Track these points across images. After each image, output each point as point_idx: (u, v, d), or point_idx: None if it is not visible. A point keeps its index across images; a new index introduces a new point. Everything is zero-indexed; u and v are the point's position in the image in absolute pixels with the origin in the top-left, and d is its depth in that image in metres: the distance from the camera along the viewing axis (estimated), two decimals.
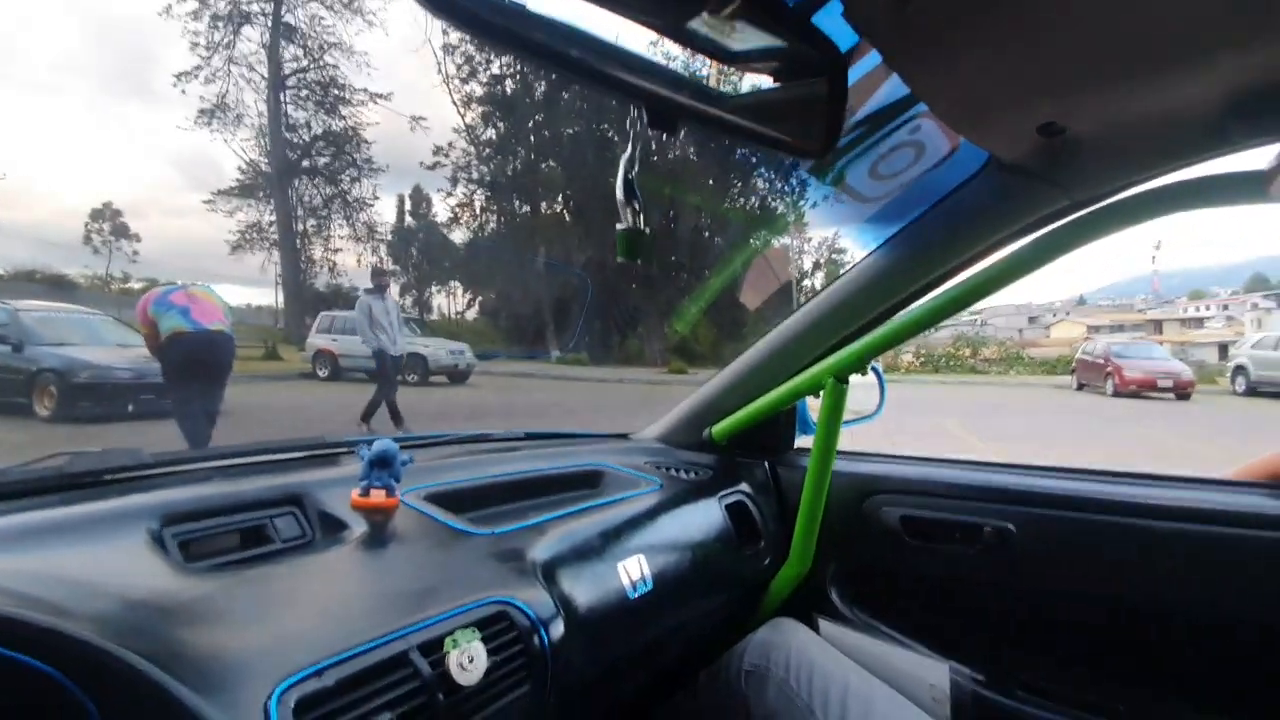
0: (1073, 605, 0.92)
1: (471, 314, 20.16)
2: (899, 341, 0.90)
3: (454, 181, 18.41)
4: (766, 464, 1.22)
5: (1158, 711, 0.86)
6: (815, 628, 1.06)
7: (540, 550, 0.75)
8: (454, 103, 18.03)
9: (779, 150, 0.46)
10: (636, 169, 0.45)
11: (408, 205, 20.18)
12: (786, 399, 1.05)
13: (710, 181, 16.90)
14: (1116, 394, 12.67)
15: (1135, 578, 0.87)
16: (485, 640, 0.59)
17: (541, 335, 17.52)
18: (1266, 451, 0.90)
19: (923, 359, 21.11)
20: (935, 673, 0.96)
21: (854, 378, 1.04)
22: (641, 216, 0.47)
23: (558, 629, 0.66)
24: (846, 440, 1.11)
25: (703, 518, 1.02)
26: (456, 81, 17.72)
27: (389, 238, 19.88)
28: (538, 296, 17.66)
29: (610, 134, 16.73)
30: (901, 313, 0.91)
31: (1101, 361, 13.62)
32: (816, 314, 1.03)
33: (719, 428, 1.18)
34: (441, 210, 19.51)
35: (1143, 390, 12.31)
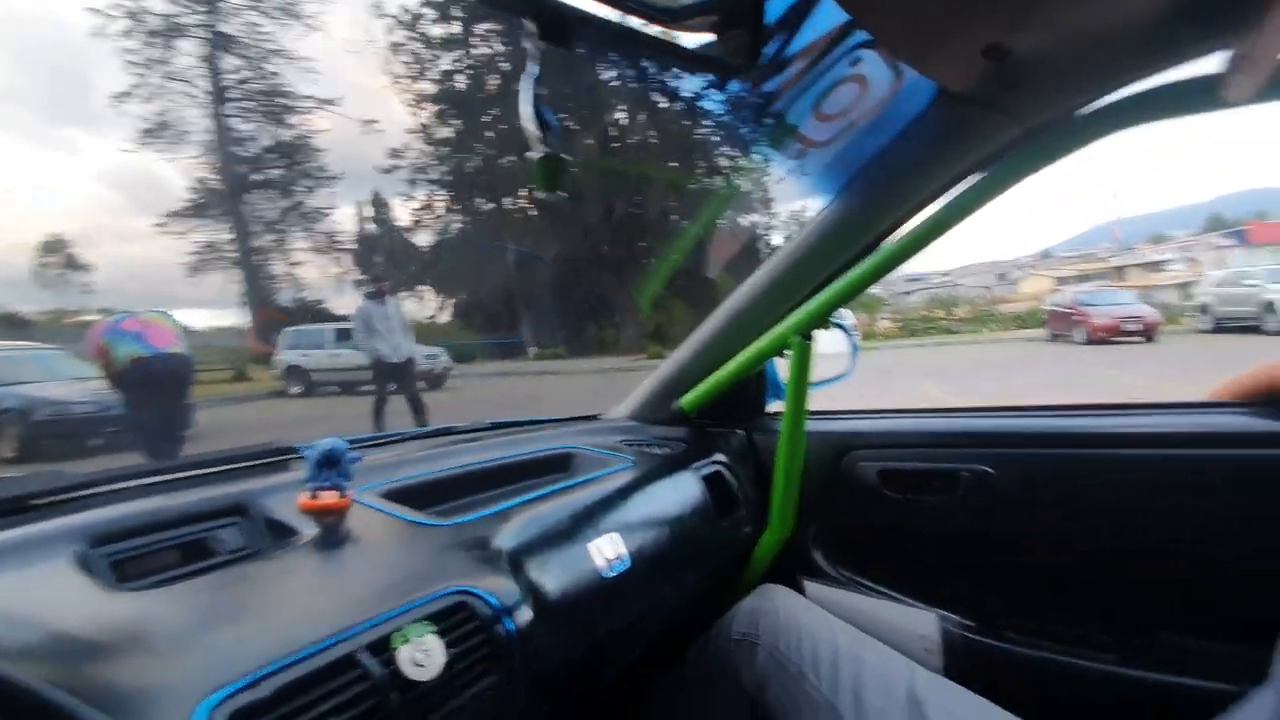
0: (1055, 541, 0.91)
1: (445, 316, 19.92)
2: (862, 289, 0.87)
3: (413, 184, 18.11)
4: (741, 431, 1.20)
5: (1144, 641, 0.85)
6: (802, 591, 1.04)
7: (505, 537, 0.72)
8: (404, 104, 17.67)
9: (696, 67, 0.43)
10: (542, 90, 0.41)
11: (368, 212, 19.83)
12: (753, 362, 1.03)
13: (675, 164, 16.80)
14: (1089, 341, 12.97)
15: (1114, 508, 0.86)
16: (443, 633, 0.55)
17: (516, 332, 17.37)
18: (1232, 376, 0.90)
19: (900, 324, 21.43)
20: (925, 623, 0.95)
21: (828, 341, 1.02)
22: (557, 141, 0.43)
23: (525, 615, 0.63)
24: (822, 402, 1.09)
25: (678, 491, 1.00)
26: (406, 80, 17.36)
27: (352, 246, 19.51)
28: (509, 293, 17.48)
29: (568, 122, 16.54)
30: (863, 261, 0.88)
31: (1070, 311, 13.94)
32: (777, 273, 1.00)
33: (688, 399, 1.15)
34: (404, 214, 19.22)
35: (1112, 336, 12.64)
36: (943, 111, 0.76)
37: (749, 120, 0.77)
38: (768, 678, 0.85)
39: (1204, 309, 13.84)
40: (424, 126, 17.69)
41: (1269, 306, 11.75)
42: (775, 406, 1.25)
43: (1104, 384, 7.74)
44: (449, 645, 0.55)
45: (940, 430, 1.02)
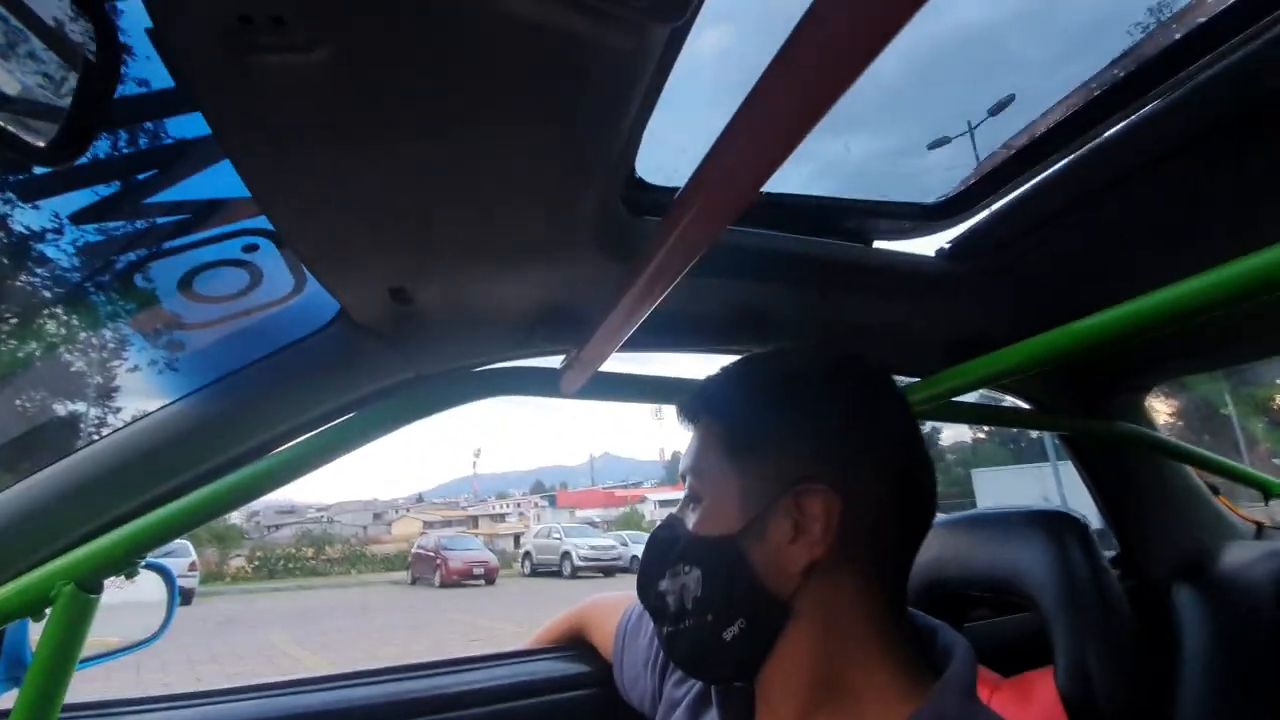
0: None
1: None
2: (198, 523, 0.68)
3: None
4: None
5: None
6: None
7: None
8: None
9: None
10: None
11: None
12: None
13: None
14: (444, 584, 14.68)
15: None
16: None
17: None
18: (544, 617, 1.09)
19: (257, 563, 19.18)
20: None
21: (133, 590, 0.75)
22: None
23: None
24: (83, 686, 0.76)
25: None
26: None
27: None
28: None
29: None
30: (207, 484, 0.70)
31: (432, 554, 15.75)
32: (51, 485, 0.69)
33: None
34: None
35: (463, 579, 14.68)
36: (343, 332, 0.75)
37: (86, 260, 0.57)
38: None
39: (528, 555, 18.04)
40: None
41: (565, 555, 16.18)
42: None
43: (453, 626, 8.65)
44: None
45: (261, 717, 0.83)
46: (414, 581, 16.29)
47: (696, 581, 0.50)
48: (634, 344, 0.84)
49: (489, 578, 15.05)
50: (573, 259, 0.66)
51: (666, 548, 0.54)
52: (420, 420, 0.80)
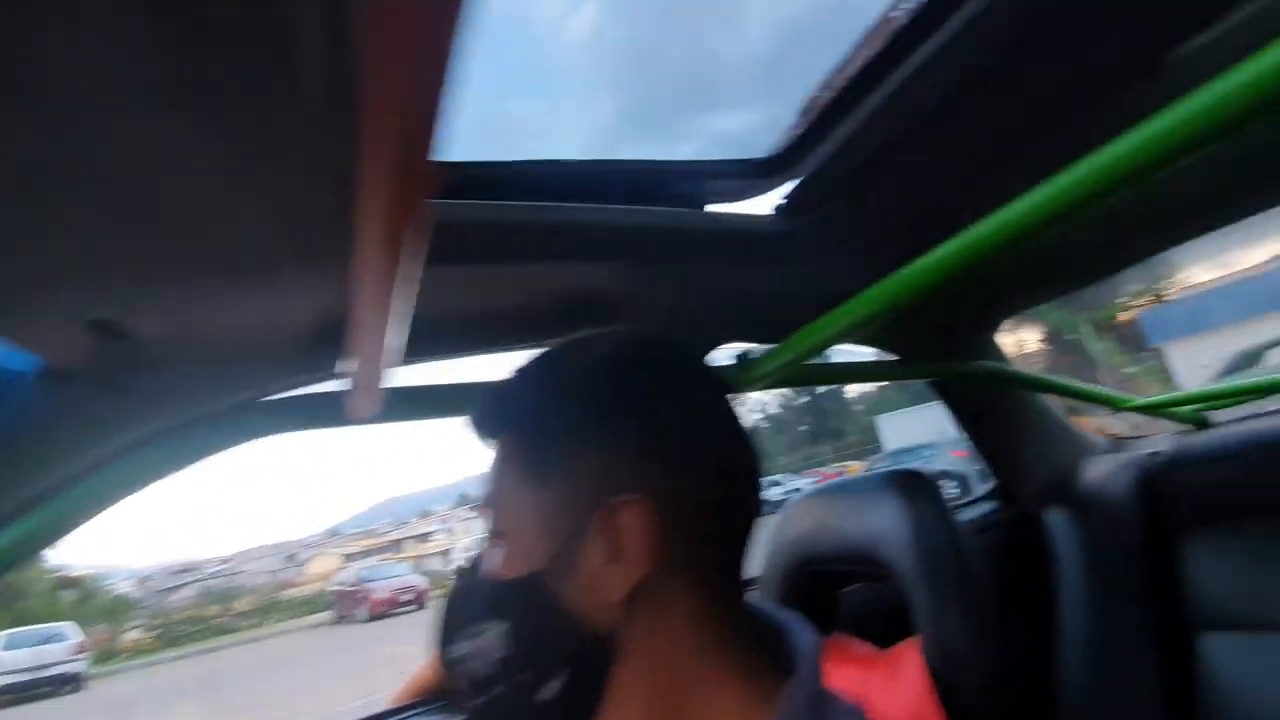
0: None
1: None
2: None
3: None
4: None
5: None
6: None
7: None
8: None
9: None
10: None
11: None
12: None
13: None
14: (371, 618, 13.89)
15: None
16: None
17: None
18: None
19: (158, 631, 17.57)
20: None
21: None
22: None
23: None
24: None
25: None
26: None
27: None
28: None
29: None
30: None
31: (354, 590, 14.91)
32: None
33: None
34: None
35: (391, 609, 13.97)
36: (52, 388, 0.60)
37: None
38: None
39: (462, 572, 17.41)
40: None
41: None
42: None
43: (383, 661, 8.23)
44: None
45: None
46: (339, 620, 15.41)
47: (503, 637, 0.41)
48: (443, 350, 0.73)
49: (420, 602, 14.40)
50: (330, 259, 0.54)
51: (464, 603, 0.45)
52: (189, 467, 0.67)
